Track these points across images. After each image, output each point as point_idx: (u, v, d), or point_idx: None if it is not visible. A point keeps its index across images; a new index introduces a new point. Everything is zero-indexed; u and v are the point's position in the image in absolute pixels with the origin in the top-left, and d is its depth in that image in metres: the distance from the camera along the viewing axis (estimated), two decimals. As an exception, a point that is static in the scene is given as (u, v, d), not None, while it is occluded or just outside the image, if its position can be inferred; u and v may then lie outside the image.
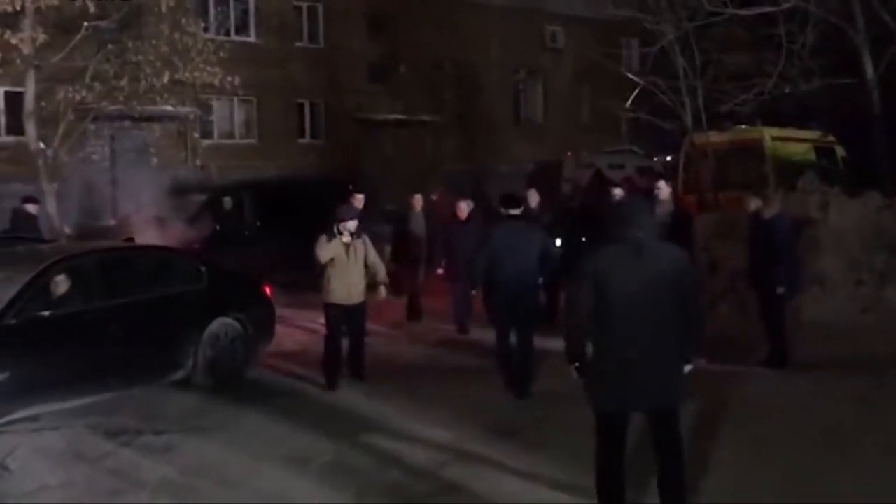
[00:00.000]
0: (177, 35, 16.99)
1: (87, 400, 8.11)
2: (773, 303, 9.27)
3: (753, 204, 9.69)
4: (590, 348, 5.31)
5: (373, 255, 9.35)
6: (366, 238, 9.32)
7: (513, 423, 7.59)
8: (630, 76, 18.50)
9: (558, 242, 10.70)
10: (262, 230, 15.60)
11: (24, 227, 12.94)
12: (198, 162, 21.77)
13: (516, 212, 8.92)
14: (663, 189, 10.16)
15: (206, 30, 20.59)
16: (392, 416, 7.98)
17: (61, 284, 8.11)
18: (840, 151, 18.98)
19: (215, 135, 24.83)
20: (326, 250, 8.99)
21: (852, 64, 15.89)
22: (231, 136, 25.45)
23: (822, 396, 8.10)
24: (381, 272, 9.46)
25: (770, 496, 5.96)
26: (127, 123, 19.40)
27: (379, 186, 21.34)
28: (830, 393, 8.17)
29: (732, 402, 8.05)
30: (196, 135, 23.03)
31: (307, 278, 15.73)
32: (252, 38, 25.24)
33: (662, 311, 5.16)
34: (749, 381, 8.73)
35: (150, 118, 20.22)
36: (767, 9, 15.44)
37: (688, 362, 5.35)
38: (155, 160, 20.22)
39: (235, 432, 7.71)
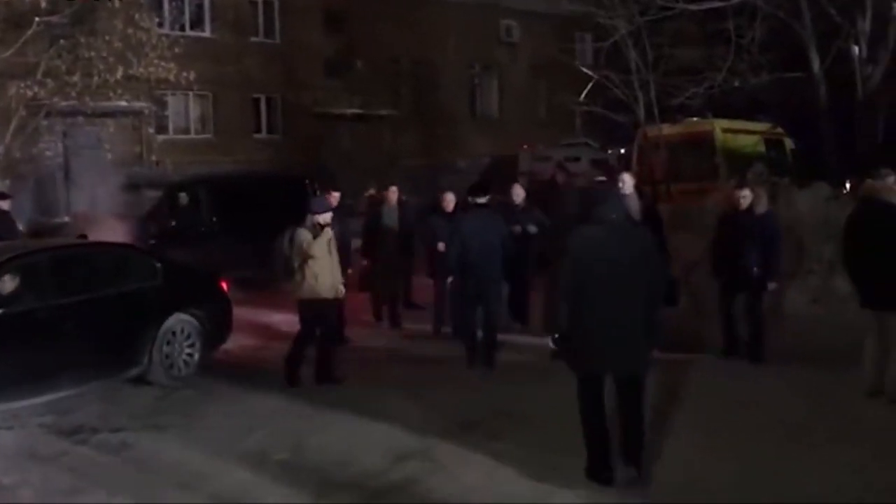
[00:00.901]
0: (130, 30, 16.81)
1: (42, 398, 8.06)
2: (756, 297, 9.29)
3: (748, 198, 9.34)
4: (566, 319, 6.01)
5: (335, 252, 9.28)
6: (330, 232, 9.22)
7: (472, 416, 7.62)
8: (584, 70, 18.64)
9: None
10: (218, 226, 15.52)
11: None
12: (153, 158, 21.54)
13: (483, 200, 9.63)
14: (627, 182, 10.05)
15: (160, 25, 20.42)
16: (351, 410, 7.96)
17: (12, 283, 8.04)
18: (788, 143, 19.33)
19: (170, 130, 24.64)
20: (316, 246, 8.88)
21: (799, 58, 16.16)
22: (186, 131, 25.27)
23: (777, 387, 8.24)
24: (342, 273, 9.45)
25: (725, 485, 6.07)
26: (80, 119, 19.12)
27: (337, 181, 21.32)
28: (785, 383, 8.30)
29: (688, 392, 8.18)
30: (151, 130, 22.78)
31: (264, 274, 15.79)
32: (207, 33, 25.06)
33: (634, 285, 5.86)
34: (706, 372, 8.84)
35: (104, 114, 19.95)
36: (717, 4, 15.63)
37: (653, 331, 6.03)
38: (109, 156, 19.97)
39: (192, 429, 7.69)
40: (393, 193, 12.40)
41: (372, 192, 16.52)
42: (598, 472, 6.02)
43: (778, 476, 6.17)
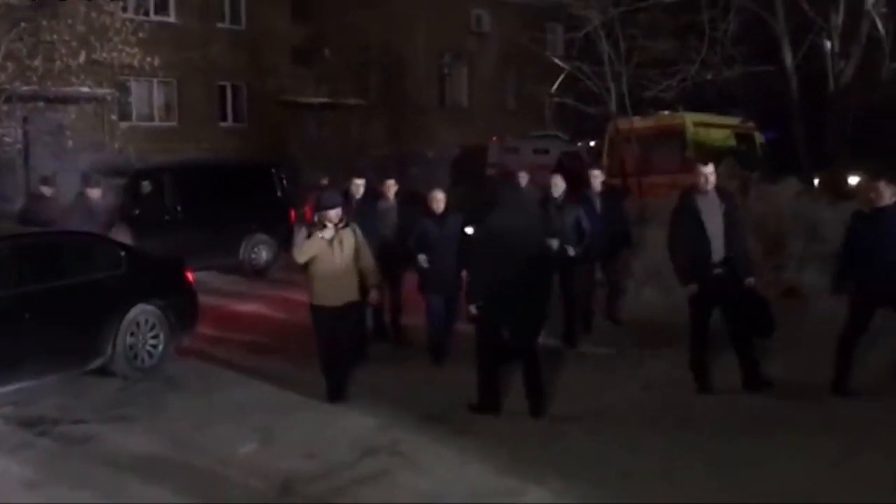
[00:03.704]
0: (94, 14, 16.48)
1: (1, 389, 7.88)
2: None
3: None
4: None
5: (366, 253, 8.10)
6: (355, 228, 8.05)
7: (438, 410, 7.53)
8: (555, 61, 18.57)
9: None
10: (182, 214, 15.29)
11: (38, 210, 12.00)
12: (116, 145, 21.21)
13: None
14: (710, 179, 7.78)
15: (124, 9, 20.05)
16: (316, 404, 7.87)
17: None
18: (759, 137, 19.48)
19: (134, 117, 24.35)
20: (304, 249, 7.84)
21: (772, 52, 16.21)
22: (150, 118, 24.99)
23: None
24: (373, 275, 8.22)
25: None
26: (41, 104, 18.74)
27: (303, 171, 21.17)
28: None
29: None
30: (114, 117, 22.49)
31: (229, 264, 15.58)
32: (172, 18, 24.79)
33: (531, 262, 7.14)
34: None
35: (66, 99, 19.62)
36: (691, -5, 15.66)
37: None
38: (71, 143, 19.60)
39: (156, 421, 7.56)
40: (390, 187, 10.13)
41: (325, 182, 16.29)
42: (489, 407, 7.31)
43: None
